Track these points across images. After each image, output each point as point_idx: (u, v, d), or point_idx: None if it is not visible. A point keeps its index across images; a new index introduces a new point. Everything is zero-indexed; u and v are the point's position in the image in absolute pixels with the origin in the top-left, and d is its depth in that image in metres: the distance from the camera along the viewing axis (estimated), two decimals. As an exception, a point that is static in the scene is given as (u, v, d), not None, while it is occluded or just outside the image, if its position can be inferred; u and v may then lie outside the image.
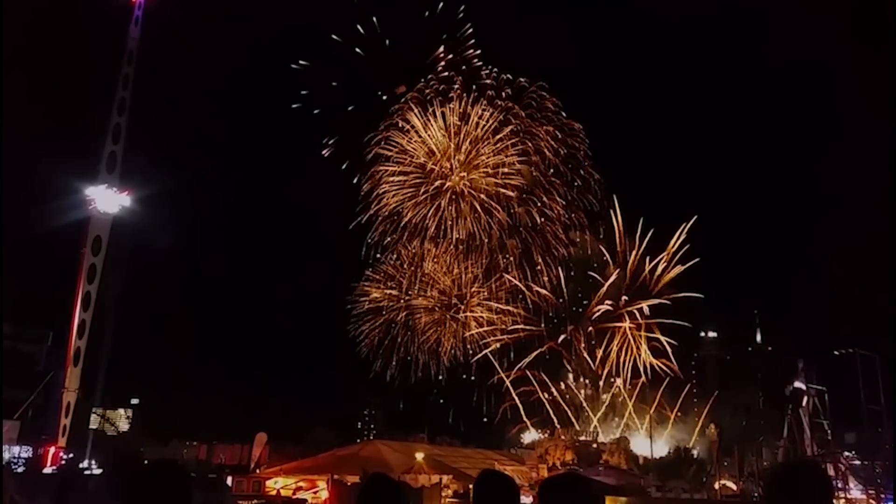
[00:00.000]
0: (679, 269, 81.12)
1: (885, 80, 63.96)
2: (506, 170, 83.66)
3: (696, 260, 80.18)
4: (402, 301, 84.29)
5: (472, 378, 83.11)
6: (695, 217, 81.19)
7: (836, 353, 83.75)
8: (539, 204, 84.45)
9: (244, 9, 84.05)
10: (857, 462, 77.41)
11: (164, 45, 72.83)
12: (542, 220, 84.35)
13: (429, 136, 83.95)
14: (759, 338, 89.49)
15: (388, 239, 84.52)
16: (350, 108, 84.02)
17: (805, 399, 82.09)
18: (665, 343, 79.23)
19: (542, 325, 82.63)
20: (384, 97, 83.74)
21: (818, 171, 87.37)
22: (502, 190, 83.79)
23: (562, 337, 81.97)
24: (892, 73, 62.75)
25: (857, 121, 73.72)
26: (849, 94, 71.34)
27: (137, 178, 67.59)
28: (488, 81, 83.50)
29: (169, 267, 78.56)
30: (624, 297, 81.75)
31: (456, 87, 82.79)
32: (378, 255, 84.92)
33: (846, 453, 78.53)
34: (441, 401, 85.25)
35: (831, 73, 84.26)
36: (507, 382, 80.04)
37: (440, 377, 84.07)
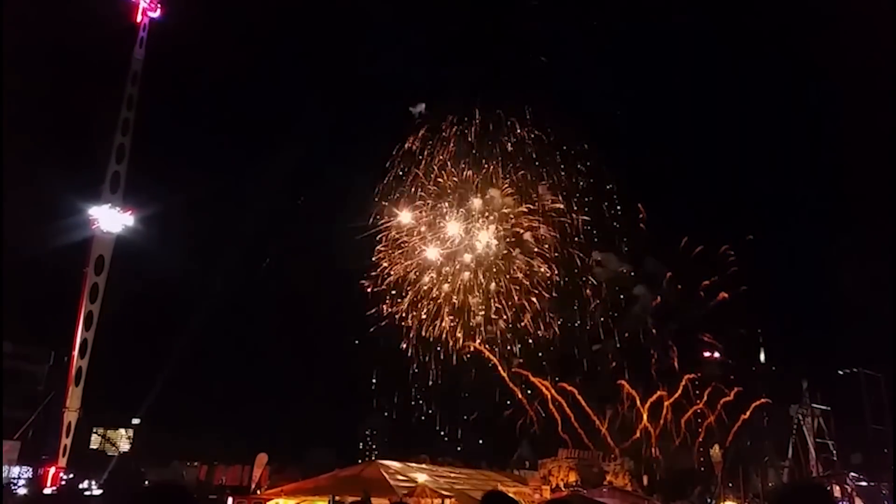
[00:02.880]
0: (723, 296, 77.59)
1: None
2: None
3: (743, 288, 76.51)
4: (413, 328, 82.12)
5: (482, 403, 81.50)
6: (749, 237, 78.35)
7: (840, 372, 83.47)
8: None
9: (251, 29, 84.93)
10: (864, 483, 76.72)
11: (169, 66, 73.67)
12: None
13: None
14: (762, 358, 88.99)
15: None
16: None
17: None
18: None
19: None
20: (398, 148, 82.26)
21: (823, 187, 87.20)
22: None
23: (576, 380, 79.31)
24: None
25: (863, 136, 73.37)
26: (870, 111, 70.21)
27: (141, 198, 68.08)
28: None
29: (171, 287, 78.65)
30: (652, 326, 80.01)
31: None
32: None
33: (852, 474, 77.84)
34: (443, 420, 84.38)
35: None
36: (531, 412, 77.62)
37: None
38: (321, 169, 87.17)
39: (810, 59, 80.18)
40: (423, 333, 78.23)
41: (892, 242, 65.24)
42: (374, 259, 77.68)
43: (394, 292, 78.99)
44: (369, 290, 76.71)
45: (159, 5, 70.36)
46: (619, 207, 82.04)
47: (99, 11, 68.89)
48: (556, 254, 79.96)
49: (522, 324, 79.43)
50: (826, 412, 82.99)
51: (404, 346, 78.23)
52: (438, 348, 78.59)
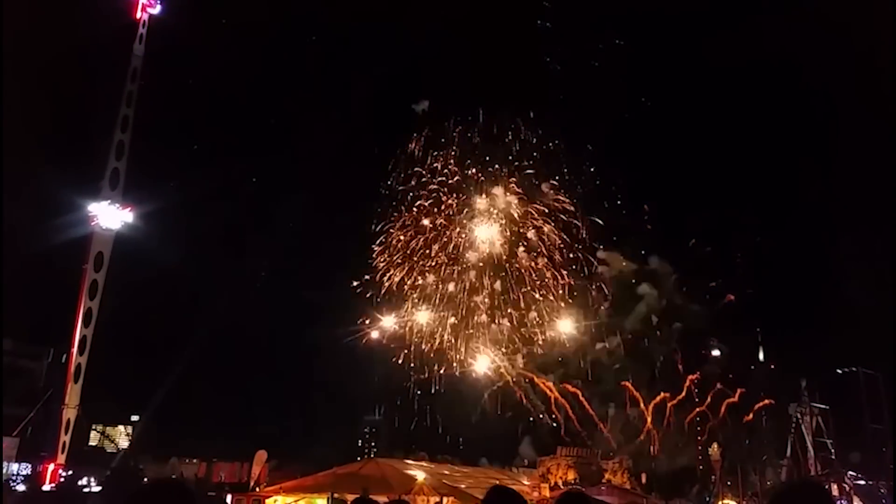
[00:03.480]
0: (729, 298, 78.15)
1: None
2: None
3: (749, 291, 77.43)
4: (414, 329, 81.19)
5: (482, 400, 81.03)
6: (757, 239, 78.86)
7: (838, 371, 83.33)
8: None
9: (252, 25, 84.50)
10: (862, 482, 76.72)
11: (169, 62, 73.53)
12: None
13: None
14: (761, 356, 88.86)
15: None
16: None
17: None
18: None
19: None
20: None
21: (822, 186, 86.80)
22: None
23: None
24: None
25: (863, 138, 73.17)
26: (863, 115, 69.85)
27: (140, 195, 68.10)
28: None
29: (171, 284, 78.46)
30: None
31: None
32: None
33: (850, 473, 77.85)
34: (444, 425, 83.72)
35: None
36: (534, 414, 77.41)
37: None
38: (322, 167, 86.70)
39: (812, 60, 79.92)
40: (424, 344, 77.98)
41: (892, 242, 65.23)
42: (373, 263, 77.70)
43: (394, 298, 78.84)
44: (368, 295, 76.82)
45: (159, 1, 70.37)
46: (624, 212, 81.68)
47: (99, 7, 68.98)
48: (566, 253, 79.95)
49: (525, 330, 79.23)
50: (825, 411, 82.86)
51: (400, 360, 77.63)
52: (439, 352, 78.43)
